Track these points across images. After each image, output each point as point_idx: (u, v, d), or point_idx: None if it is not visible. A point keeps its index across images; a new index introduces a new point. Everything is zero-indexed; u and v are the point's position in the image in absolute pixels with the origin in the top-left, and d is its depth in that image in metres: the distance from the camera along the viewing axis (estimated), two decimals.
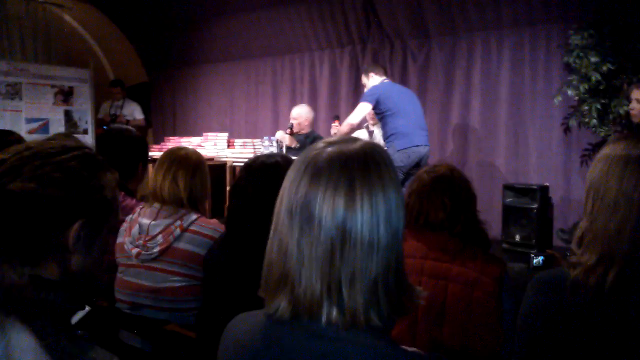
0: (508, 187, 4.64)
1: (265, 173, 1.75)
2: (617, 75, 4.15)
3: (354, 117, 4.57)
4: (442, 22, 5.39)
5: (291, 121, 5.43)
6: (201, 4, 6.81)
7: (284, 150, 5.19)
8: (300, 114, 5.39)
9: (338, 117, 5.13)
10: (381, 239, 0.82)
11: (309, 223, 0.82)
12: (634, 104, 3.62)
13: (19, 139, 3.28)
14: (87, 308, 1.32)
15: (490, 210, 4.69)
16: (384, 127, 4.59)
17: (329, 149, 0.87)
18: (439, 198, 1.69)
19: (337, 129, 4.85)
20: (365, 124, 5.27)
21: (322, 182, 0.83)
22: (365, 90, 4.71)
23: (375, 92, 4.53)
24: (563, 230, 4.58)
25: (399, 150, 4.35)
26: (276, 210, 0.89)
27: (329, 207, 0.81)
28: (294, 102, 6.49)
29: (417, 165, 4.42)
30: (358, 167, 0.84)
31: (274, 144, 5.17)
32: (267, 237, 0.90)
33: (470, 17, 5.21)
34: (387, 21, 5.70)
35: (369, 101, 4.50)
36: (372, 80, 4.70)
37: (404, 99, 4.56)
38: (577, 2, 4.58)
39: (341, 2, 5.84)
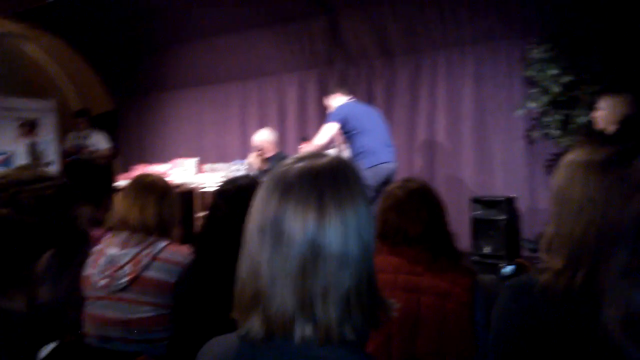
0: (476, 200, 4.70)
1: (238, 195, 1.75)
2: (577, 87, 4.28)
3: (321, 138, 4.60)
4: (405, 42, 5.50)
5: (257, 150, 5.39)
6: (166, 30, 6.80)
7: (255, 171, 5.17)
8: (263, 139, 5.34)
9: (306, 139, 5.15)
10: (352, 252, 0.82)
11: (280, 240, 0.82)
12: (597, 112, 3.73)
13: None
14: (55, 342, 1.28)
15: (459, 224, 4.73)
16: (351, 146, 4.63)
17: (298, 165, 0.87)
18: (417, 212, 1.71)
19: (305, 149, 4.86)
20: (335, 143, 5.30)
21: (292, 198, 0.83)
22: (330, 110, 4.76)
23: (342, 111, 4.57)
24: (529, 240, 4.64)
25: (367, 168, 4.39)
26: (247, 228, 0.88)
27: (300, 223, 0.81)
28: (262, 125, 6.48)
29: (386, 182, 4.46)
30: (327, 181, 0.84)
31: (244, 167, 5.15)
32: (235, 260, 0.89)
33: (433, 36, 5.33)
34: (352, 42, 5.79)
35: (336, 121, 4.54)
36: (337, 101, 4.76)
37: (369, 118, 4.62)
38: (535, 17, 4.73)
39: (306, 24, 5.91)
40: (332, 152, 4.90)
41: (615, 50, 4.20)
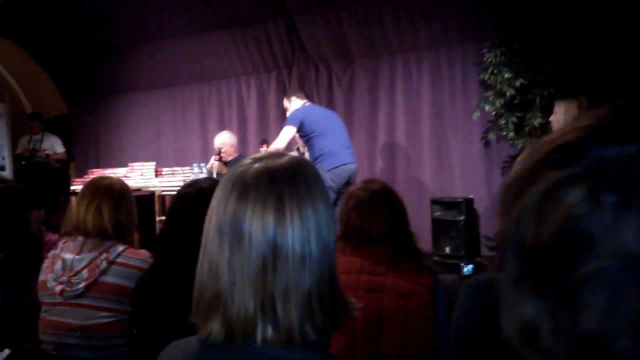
0: (435, 202, 4.77)
1: (199, 198, 1.72)
2: (530, 90, 4.40)
3: (280, 142, 4.59)
4: (364, 46, 5.55)
5: (217, 152, 5.35)
6: (122, 32, 6.66)
7: (215, 175, 5.12)
8: (223, 141, 5.29)
9: (266, 141, 5.13)
10: (313, 252, 0.82)
11: (239, 241, 0.81)
12: (553, 116, 3.84)
13: None
14: (7, 351, 1.23)
15: (419, 225, 4.79)
16: (310, 149, 4.64)
17: (256, 165, 0.86)
18: (379, 213, 1.72)
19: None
20: (296, 146, 5.30)
21: (251, 199, 0.82)
22: (288, 114, 4.76)
23: (299, 115, 4.59)
24: (488, 237, 4.72)
25: (328, 171, 4.40)
26: (205, 230, 0.87)
27: (259, 223, 0.81)
28: (222, 128, 6.43)
29: (347, 183, 4.49)
30: (286, 181, 0.84)
31: (204, 170, 5.10)
32: (195, 264, 0.88)
33: (391, 40, 5.40)
34: (311, 46, 5.80)
35: (293, 124, 4.55)
36: (294, 104, 4.79)
37: (327, 120, 4.65)
38: (489, 22, 4.84)
39: (265, 27, 5.89)
40: (293, 154, 4.93)
41: (567, 53, 4.34)
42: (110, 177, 2.19)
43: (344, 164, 4.48)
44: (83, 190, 2.11)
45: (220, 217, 0.84)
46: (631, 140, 0.38)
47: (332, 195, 4.39)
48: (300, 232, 0.82)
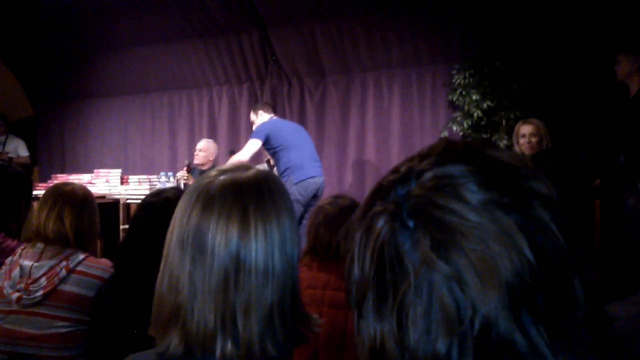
0: None
1: (163, 208, 1.70)
2: (496, 112, 4.50)
3: (244, 154, 4.60)
4: (336, 62, 5.60)
5: (196, 152, 5.37)
6: (93, 36, 6.57)
7: (182, 186, 5.09)
8: (208, 147, 5.38)
9: (234, 152, 5.12)
10: (276, 266, 0.82)
11: (202, 253, 0.81)
12: (522, 140, 3.91)
13: None
14: None
15: None
16: (277, 163, 4.65)
17: (222, 177, 0.86)
18: None
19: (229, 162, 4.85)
20: (267, 159, 5.29)
21: (215, 211, 0.82)
22: (254, 127, 4.78)
23: (264, 128, 4.60)
24: None
25: (296, 184, 4.41)
26: (167, 241, 0.86)
27: (223, 236, 0.80)
28: (192, 138, 6.40)
29: (315, 196, 4.51)
30: (251, 194, 0.84)
31: (171, 180, 5.05)
32: (157, 275, 0.87)
33: (363, 58, 5.46)
34: (284, 59, 5.82)
35: (259, 137, 4.56)
36: (261, 118, 4.82)
37: (294, 134, 4.67)
38: (459, 45, 4.96)
39: (238, 39, 5.89)
40: (260, 167, 4.91)
41: (533, 78, 4.46)
42: (73, 184, 2.14)
43: (311, 177, 4.49)
44: (45, 195, 2.07)
45: (183, 229, 0.83)
46: (415, 180, 0.49)
47: (299, 209, 4.40)
48: (264, 246, 0.82)
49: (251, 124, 5.20)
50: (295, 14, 5.43)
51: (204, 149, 5.36)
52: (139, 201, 5.30)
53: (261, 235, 0.82)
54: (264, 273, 0.81)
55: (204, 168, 5.37)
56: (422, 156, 0.53)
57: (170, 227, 0.86)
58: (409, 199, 0.48)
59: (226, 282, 0.80)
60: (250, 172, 0.88)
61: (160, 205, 1.77)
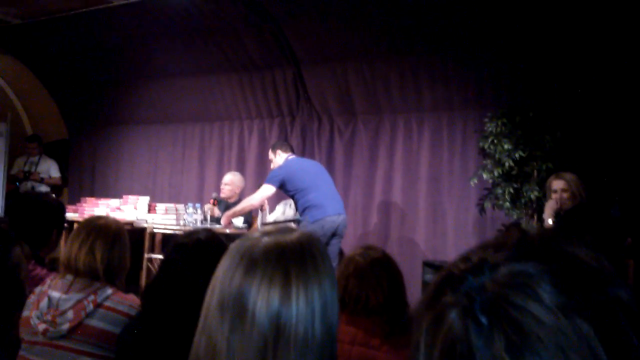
0: (428, 264, 4.75)
1: (201, 251, 1.70)
2: (528, 162, 4.45)
3: (255, 198, 4.65)
4: (367, 102, 5.64)
5: (222, 186, 5.44)
6: (130, 65, 6.76)
7: (208, 219, 5.14)
8: (233, 180, 5.46)
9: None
10: (316, 335, 0.81)
11: (242, 317, 0.80)
12: (554, 195, 3.87)
13: None
14: None
15: (410, 286, 4.74)
16: (296, 204, 4.66)
17: (265, 239, 0.86)
18: (378, 281, 1.69)
19: (232, 210, 4.90)
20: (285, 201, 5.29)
21: (258, 275, 0.81)
22: (272, 166, 4.84)
23: (280, 174, 4.63)
24: None
25: (312, 222, 4.41)
26: (206, 302, 0.86)
27: (264, 301, 0.80)
28: (221, 169, 6.46)
29: (334, 234, 4.50)
30: (294, 259, 0.83)
31: (199, 212, 5.10)
32: (187, 318, 0.86)
33: (394, 99, 5.49)
34: (316, 97, 5.88)
35: (273, 183, 4.60)
36: (279, 157, 4.87)
37: (311, 175, 4.68)
38: (491, 92, 4.95)
39: (272, 75, 5.99)
40: (280, 207, 4.92)
41: (566, 130, 4.42)
42: (107, 217, 2.17)
43: (328, 216, 4.48)
44: (78, 228, 2.09)
45: (225, 291, 0.82)
46: (489, 273, 0.48)
47: None
48: (305, 312, 0.80)
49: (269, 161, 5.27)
50: (329, 53, 5.51)
51: (230, 183, 5.43)
52: (166, 231, 5.35)
53: (302, 301, 0.81)
54: (304, 342, 0.80)
55: (231, 201, 5.44)
56: (497, 247, 0.51)
57: (211, 287, 0.86)
58: (483, 293, 0.47)
59: (265, 349, 0.78)
60: (294, 236, 0.87)
61: (192, 246, 1.78)
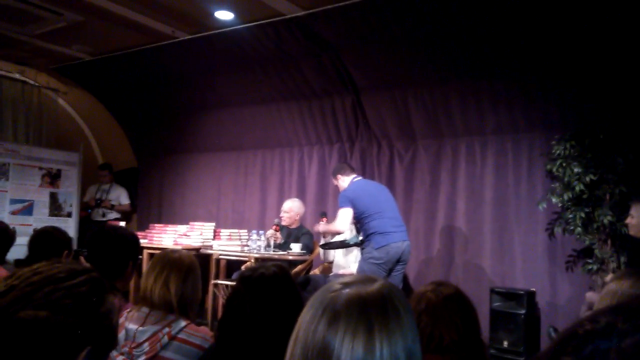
0: (495, 291, 4.62)
1: (263, 286, 1.73)
2: (600, 186, 4.27)
3: (342, 226, 4.62)
4: (427, 127, 5.57)
5: (282, 214, 5.51)
6: (194, 96, 7.00)
7: (272, 245, 5.21)
8: (292, 207, 5.53)
9: (325, 214, 5.17)
10: None
11: None
12: (629, 219, 3.71)
13: (4, 229, 3.26)
14: None
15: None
16: (361, 228, 4.65)
17: (346, 291, 0.86)
18: (452, 319, 1.65)
19: (324, 226, 4.87)
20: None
21: (341, 327, 0.82)
22: (341, 190, 4.83)
23: (348, 196, 4.63)
24: (555, 329, 4.42)
25: (377, 249, 4.39)
26: (289, 351, 0.87)
27: (348, 353, 0.80)
28: (282, 195, 6.55)
29: (398, 260, 4.45)
30: (376, 311, 0.83)
31: (262, 238, 5.17)
32: (258, 353, 0.87)
33: (455, 123, 5.40)
34: (375, 123, 5.88)
35: (346, 205, 4.59)
36: (342, 181, 4.87)
37: (375, 198, 4.64)
38: (558, 114, 4.79)
39: (331, 102, 6.04)
40: (347, 232, 4.90)
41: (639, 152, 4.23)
42: (181, 251, 2.24)
43: (393, 242, 4.44)
44: (153, 261, 2.17)
45: (309, 342, 0.83)
46: (617, 339, 0.47)
47: (382, 273, 4.35)
48: None
49: (334, 186, 5.25)
50: (388, 79, 5.51)
51: (289, 210, 5.50)
52: (230, 257, 5.45)
53: (386, 353, 0.81)
54: None
55: (292, 227, 5.51)
56: (629, 313, 0.50)
57: (294, 335, 0.87)
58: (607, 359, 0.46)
59: None
60: (375, 286, 0.88)
61: (255, 280, 1.81)
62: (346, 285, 0.88)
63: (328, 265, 5.43)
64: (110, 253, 2.43)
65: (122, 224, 6.60)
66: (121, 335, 2.02)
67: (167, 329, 2.01)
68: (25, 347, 0.83)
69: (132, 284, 4.47)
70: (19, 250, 3.29)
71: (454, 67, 5.08)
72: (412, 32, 4.84)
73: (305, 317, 0.87)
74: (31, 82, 7.30)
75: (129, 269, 2.52)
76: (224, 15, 4.96)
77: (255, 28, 5.16)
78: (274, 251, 5.14)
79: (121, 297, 2.48)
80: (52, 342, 0.85)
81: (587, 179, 4.22)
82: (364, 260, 4.53)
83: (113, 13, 5.02)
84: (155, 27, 5.32)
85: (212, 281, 5.33)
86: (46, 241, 2.95)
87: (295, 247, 5.14)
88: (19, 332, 0.83)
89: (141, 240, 5.66)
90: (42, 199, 6.87)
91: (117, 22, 5.24)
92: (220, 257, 5.49)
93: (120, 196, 7.44)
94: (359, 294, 0.86)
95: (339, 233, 4.74)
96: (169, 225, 6.43)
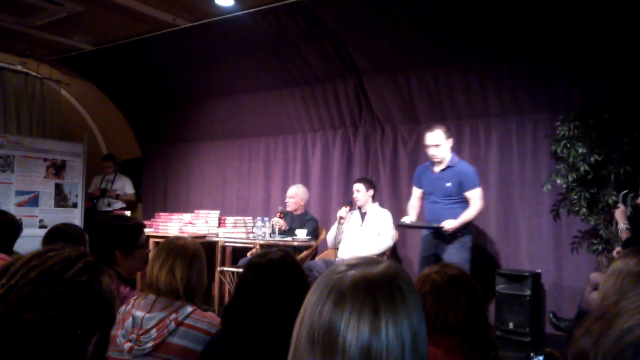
0: (500, 274, 4.62)
1: (273, 271, 1.76)
2: (604, 166, 4.25)
3: (480, 204, 4.33)
4: (431, 110, 5.54)
5: (287, 199, 5.51)
6: (197, 85, 6.98)
7: (276, 231, 5.22)
8: (297, 193, 5.53)
9: (351, 203, 5.06)
10: None
11: (332, 349, 0.80)
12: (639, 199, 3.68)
13: (11, 220, 3.27)
14: None
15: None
16: (456, 214, 4.31)
17: (352, 272, 0.86)
18: (456, 300, 1.65)
19: (466, 215, 4.35)
20: (348, 201, 5.19)
21: (346, 308, 0.82)
22: (437, 153, 4.42)
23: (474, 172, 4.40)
24: (555, 315, 4.41)
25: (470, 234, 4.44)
26: (295, 333, 0.87)
27: (354, 333, 0.80)
28: (286, 181, 6.55)
29: None
30: (382, 292, 0.83)
31: (267, 225, 5.19)
32: (265, 335, 0.88)
33: (459, 106, 5.37)
34: (378, 107, 5.86)
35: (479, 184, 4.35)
36: (448, 146, 4.43)
37: None
38: (562, 94, 4.76)
39: (334, 87, 6.01)
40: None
41: None
42: (185, 238, 2.24)
43: None
44: (158, 249, 2.18)
45: (314, 324, 0.83)
46: None
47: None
48: (395, 344, 0.80)
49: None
50: (390, 63, 5.47)
51: (294, 196, 5.51)
52: (236, 244, 5.45)
53: (392, 333, 0.81)
54: None
55: (297, 213, 5.52)
56: None
57: (299, 318, 0.87)
58: None
59: None
60: (380, 268, 0.87)
61: (264, 266, 1.84)
62: (351, 266, 0.88)
63: (334, 251, 5.44)
64: (96, 241, 2.48)
65: (128, 213, 6.63)
66: (128, 322, 2.04)
67: (174, 315, 2.02)
68: (34, 347, 0.83)
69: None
70: (25, 241, 3.30)
71: (457, 50, 5.04)
72: (415, 15, 4.80)
73: (311, 298, 0.87)
74: (33, 73, 7.29)
75: (116, 257, 2.50)
76: (224, 1, 4.93)
77: (256, 14, 5.13)
78: (279, 237, 5.15)
79: (128, 286, 2.51)
80: (61, 338, 0.85)
81: (592, 159, 4.20)
82: (466, 250, 4.27)
83: (113, 2, 5.00)
84: (156, 15, 5.30)
85: (218, 268, 5.36)
86: (60, 239, 2.96)
87: (301, 233, 5.15)
88: (27, 335, 0.83)
89: (147, 229, 5.70)
90: (47, 190, 6.88)
91: (118, 11, 5.22)
92: (226, 244, 5.50)
93: (125, 185, 7.46)
94: (364, 275, 0.86)
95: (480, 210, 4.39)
96: (175, 214, 6.44)
